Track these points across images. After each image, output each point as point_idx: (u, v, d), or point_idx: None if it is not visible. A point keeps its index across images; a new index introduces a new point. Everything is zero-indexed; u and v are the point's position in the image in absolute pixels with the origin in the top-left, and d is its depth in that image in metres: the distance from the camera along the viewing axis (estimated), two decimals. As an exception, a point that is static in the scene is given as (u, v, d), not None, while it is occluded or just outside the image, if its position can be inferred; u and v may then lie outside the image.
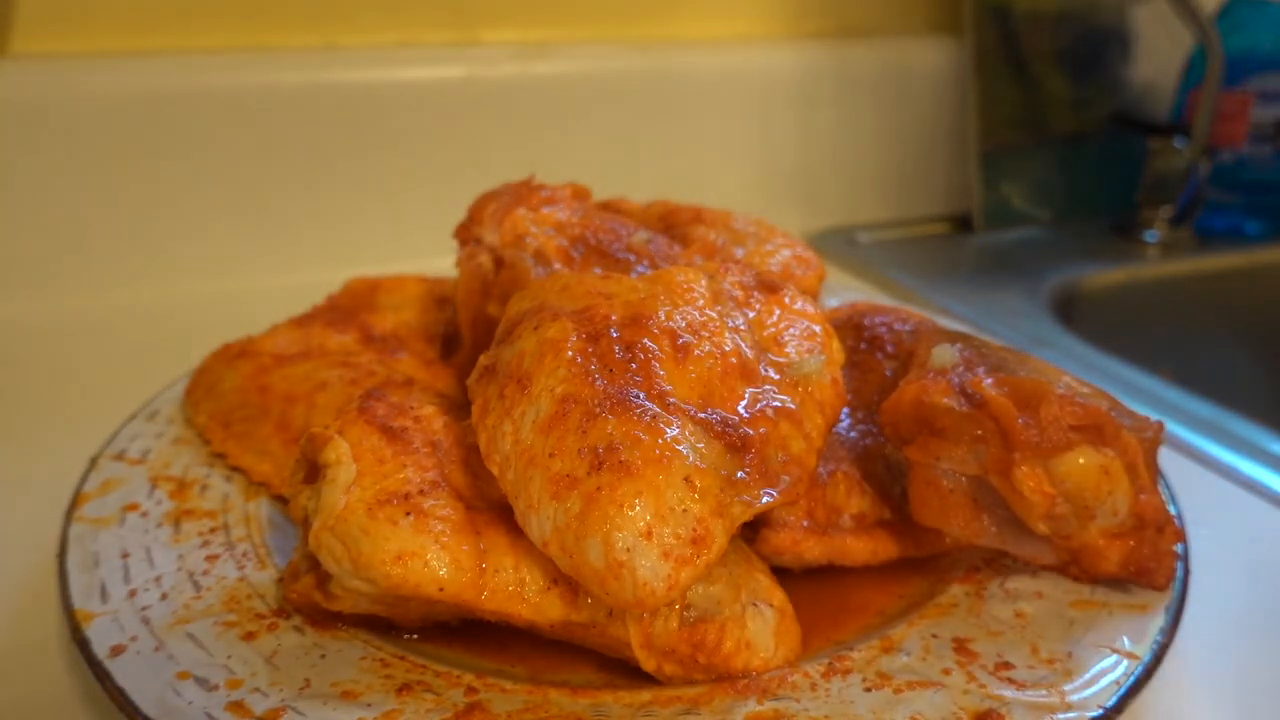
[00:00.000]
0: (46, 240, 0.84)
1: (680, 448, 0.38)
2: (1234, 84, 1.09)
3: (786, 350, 0.46)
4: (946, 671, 0.40)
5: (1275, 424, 0.70)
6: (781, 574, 0.45)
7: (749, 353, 0.44)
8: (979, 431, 0.43)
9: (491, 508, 0.42)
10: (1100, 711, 0.38)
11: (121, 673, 0.38)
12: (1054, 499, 0.42)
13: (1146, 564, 0.44)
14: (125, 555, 0.45)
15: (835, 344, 0.48)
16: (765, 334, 0.46)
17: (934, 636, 0.42)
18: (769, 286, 0.49)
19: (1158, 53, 1.21)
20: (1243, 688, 0.46)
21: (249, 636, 0.41)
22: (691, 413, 0.40)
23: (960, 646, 0.42)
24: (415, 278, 0.67)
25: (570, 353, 0.42)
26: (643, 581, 0.36)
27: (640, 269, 0.54)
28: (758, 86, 1.06)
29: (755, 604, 0.42)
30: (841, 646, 0.43)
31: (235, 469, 0.53)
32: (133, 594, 0.43)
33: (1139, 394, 0.75)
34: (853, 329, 0.58)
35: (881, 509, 0.48)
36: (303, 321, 0.62)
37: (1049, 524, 0.43)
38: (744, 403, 0.42)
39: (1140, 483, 0.44)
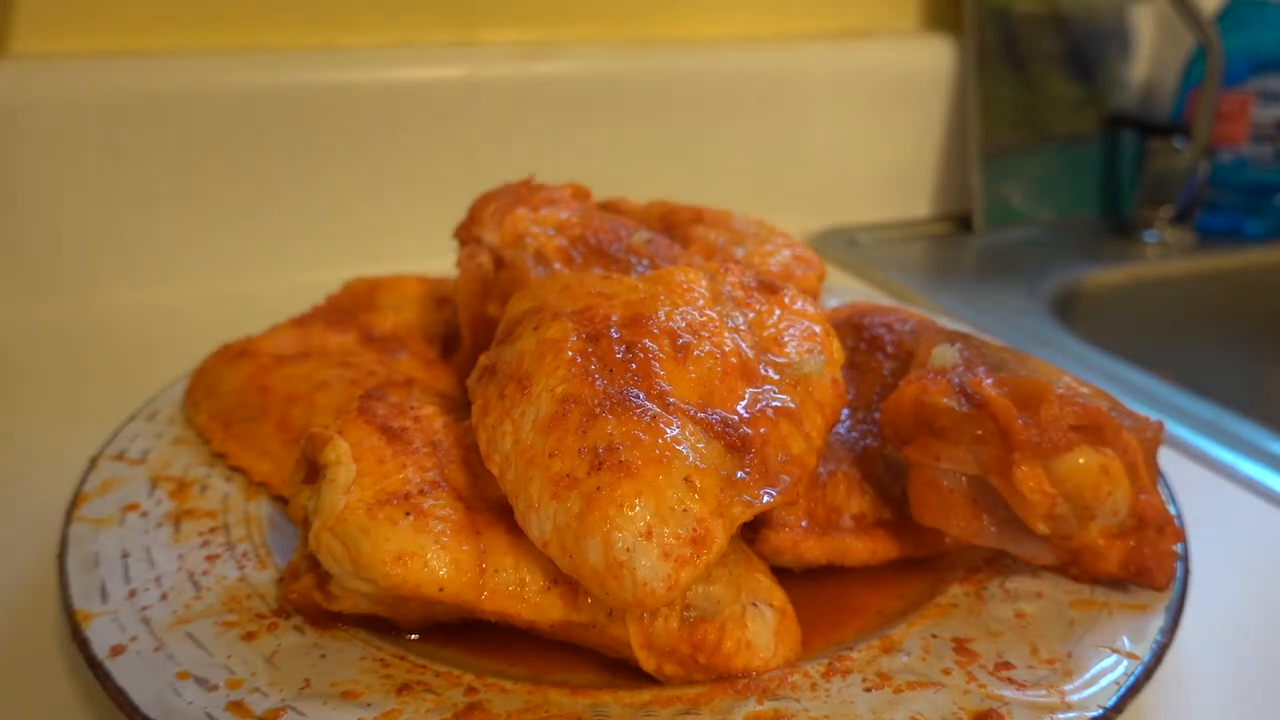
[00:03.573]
0: (46, 240, 0.84)
1: (680, 448, 0.38)
2: (1234, 84, 1.09)
3: (786, 350, 0.46)
4: (946, 671, 0.40)
5: (1275, 424, 0.70)
6: (781, 574, 0.45)
7: (749, 353, 0.44)
8: (979, 431, 0.43)
9: (491, 508, 0.42)
10: (1100, 711, 0.38)
11: (121, 673, 0.38)
12: (1054, 499, 0.42)
13: (1146, 564, 0.44)
14: (125, 555, 0.45)
15: (835, 344, 0.48)
16: (765, 334, 0.46)
17: (934, 636, 0.42)
18: (769, 287, 0.49)
19: (1158, 53, 1.21)
20: (1243, 688, 0.46)
21: (249, 636, 0.41)
22: (691, 413, 0.40)
23: (960, 646, 0.42)
24: (415, 278, 0.67)
25: (570, 353, 0.42)
26: (643, 581, 0.36)
27: (640, 269, 0.54)
28: (758, 86, 1.06)
29: (755, 604, 0.42)
30: (841, 646, 0.43)
31: (235, 469, 0.53)
32: (133, 594, 0.43)
33: (1139, 394, 0.75)
34: (853, 329, 0.58)
35: (881, 509, 0.48)
36: (303, 321, 0.62)
37: (1049, 524, 0.43)
38: (744, 403, 0.42)
39: (1140, 483, 0.44)
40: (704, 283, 0.47)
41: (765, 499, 0.39)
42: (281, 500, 0.51)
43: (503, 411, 0.42)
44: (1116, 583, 0.45)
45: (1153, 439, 0.45)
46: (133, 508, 0.49)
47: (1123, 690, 0.39)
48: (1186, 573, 0.45)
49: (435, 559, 0.39)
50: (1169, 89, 1.18)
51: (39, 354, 0.77)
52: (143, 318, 0.83)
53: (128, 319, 0.83)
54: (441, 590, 0.39)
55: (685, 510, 0.37)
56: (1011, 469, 0.42)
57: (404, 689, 0.39)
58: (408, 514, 0.39)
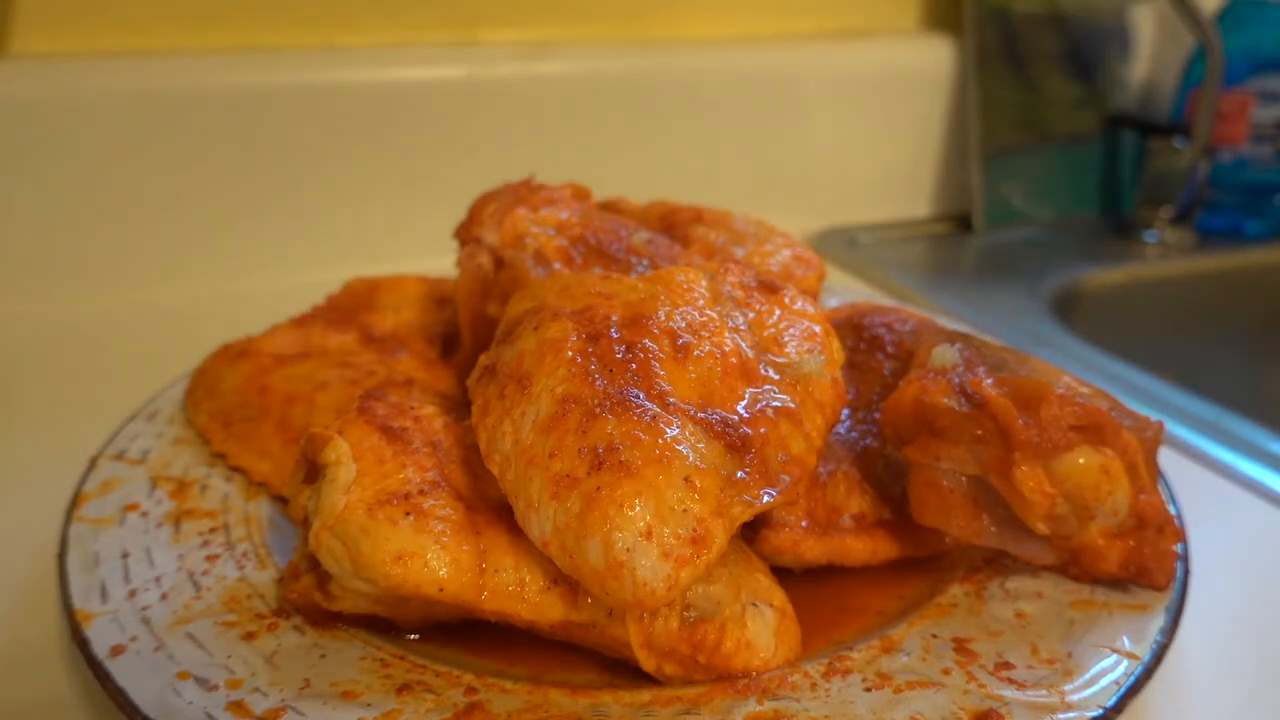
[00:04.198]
0: (46, 240, 0.84)
1: (680, 448, 0.38)
2: (1234, 84, 1.09)
3: (786, 350, 0.46)
4: (946, 671, 0.40)
5: (1275, 424, 0.70)
6: (781, 574, 0.45)
7: (749, 353, 0.44)
8: (979, 431, 0.43)
9: (491, 508, 0.42)
10: (1100, 711, 0.38)
11: (121, 673, 0.38)
12: (1054, 499, 0.42)
13: (1146, 564, 0.44)
14: (125, 555, 0.45)
15: (835, 344, 0.48)
16: (765, 334, 0.46)
17: (934, 636, 0.42)
18: (769, 287, 0.49)
19: (1158, 53, 1.21)
20: (1243, 688, 0.46)
21: (249, 636, 0.41)
22: (691, 413, 0.40)
23: (960, 646, 0.42)
24: (415, 278, 0.67)
25: (570, 353, 0.42)
26: (643, 581, 0.36)
27: (640, 269, 0.54)
28: (758, 86, 1.06)
29: (755, 604, 0.42)
30: (841, 646, 0.43)
31: (235, 469, 0.53)
32: (133, 594, 0.43)
33: (1139, 394, 0.75)
34: (853, 329, 0.58)
35: (881, 509, 0.48)
36: (303, 321, 0.62)
37: (1049, 524, 0.43)
38: (744, 403, 0.42)
39: (1140, 483, 0.44)
40: (704, 283, 0.47)
41: (765, 499, 0.39)
42: (281, 500, 0.51)
43: (503, 411, 0.42)
44: (1116, 583, 0.45)
45: (1153, 439, 0.45)
46: (133, 508, 0.49)
47: (1123, 690, 0.39)
48: (1186, 573, 0.45)
49: (435, 559, 0.39)
50: (1169, 89, 1.18)
51: (39, 354, 0.77)
52: (143, 318, 0.83)
53: (128, 319, 0.83)
54: (441, 590, 0.39)
55: (685, 510, 0.37)
56: (1011, 469, 0.42)
57: (404, 689, 0.39)
58: (408, 514, 0.39)
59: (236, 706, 0.37)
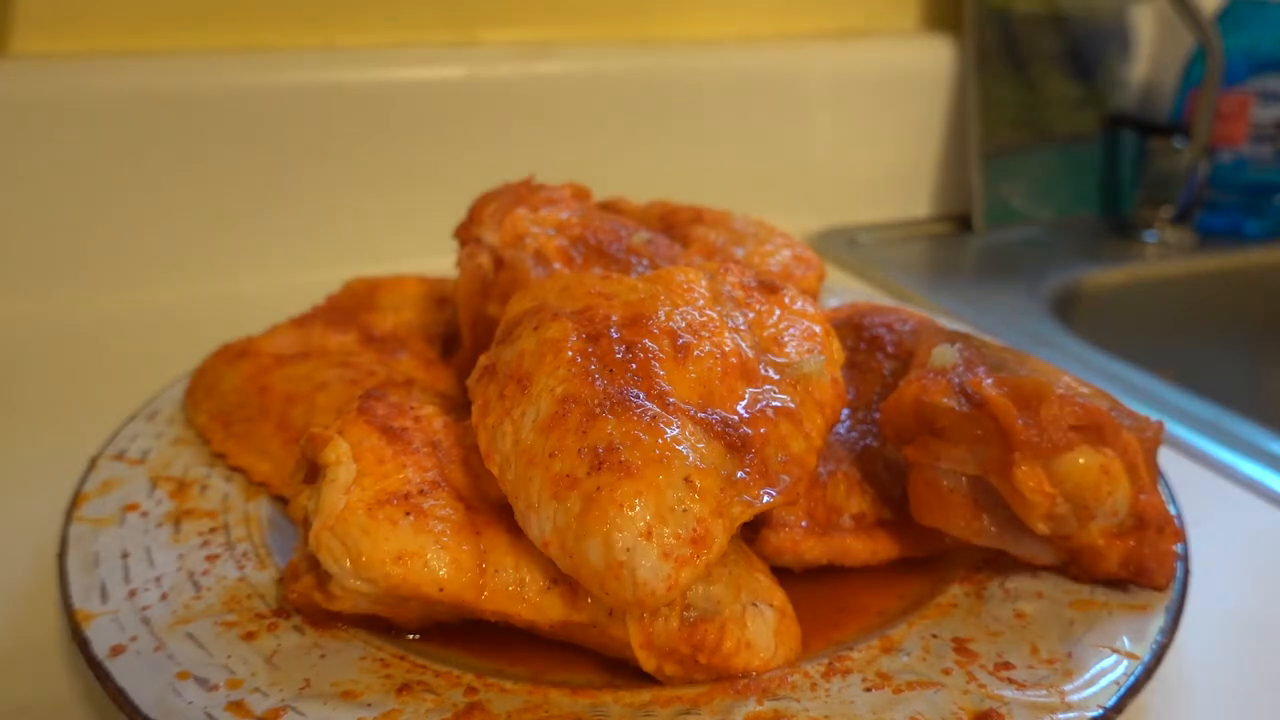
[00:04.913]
0: (46, 240, 0.84)
1: (680, 448, 0.38)
2: (1234, 84, 1.09)
3: (786, 350, 0.46)
4: (946, 671, 0.40)
5: (1275, 424, 0.70)
6: (781, 574, 0.45)
7: (749, 353, 0.44)
8: (979, 431, 0.43)
9: (491, 508, 0.42)
10: (1100, 711, 0.38)
11: (121, 673, 0.38)
12: (1054, 499, 0.42)
13: (1146, 564, 0.44)
14: (125, 555, 0.45)
15: (835, 344, 0.48)
16: (765, 334, 0.46)
17: (934, 636, 0.42)
18: (769, 287, 0.49)
19: (1158, 53, 1.21)
20: (1243, 688, 0.46)
21: (249, 636, 0.41)
22: (691, 413, 0.40)
23: (960, 646, 0.42)
24: (415, 278, 0.67)
25: (570, 353, 0.42)
26: (643, 581, 0.36)
27: (640, 269, 0.54)
28: (758, 86, 1.06)
29: (755, 604, 0.42)
30: (841, 646, 0.43)
31: (235, 469, 0.53)
32: (133, 594, 0.43)
33: (1139, 394, 0.75)
34: (853, 329, 0.58)
35: (881, 509, 0.48)
36: (303, 321, 0.62)
37: (1049, 524, 0.43)
38: (744, 403, 0.42)
39: (1140, 483, 0.44)
40: (704, 283, 0.47)
41: (765, 499, 0.39)
42: (281, 500, 0.51)
43: (503, 411, 0.42)
44: (1116, 583, 0.45)
45: (1153, 439, 0.45)
46: (133, 508, 0.49)
47: (1123, 690, 0.39)
48: (1186, 573, 0.45)
49: (435, 559, 0.39)
50: (1169, 89, 1.18)
51: (39, 354, 0.77)
52: (143, 318, 0.83)
53: (128, 319, 0.83)
54: (441, 590, 0.39)
55: (685, 510, 0.37)
56: (1011, 469, 0.42)
57: (404, 689, 0.39)
58: (408, 514, 0.39)
59: (236, 706, 0.37)
